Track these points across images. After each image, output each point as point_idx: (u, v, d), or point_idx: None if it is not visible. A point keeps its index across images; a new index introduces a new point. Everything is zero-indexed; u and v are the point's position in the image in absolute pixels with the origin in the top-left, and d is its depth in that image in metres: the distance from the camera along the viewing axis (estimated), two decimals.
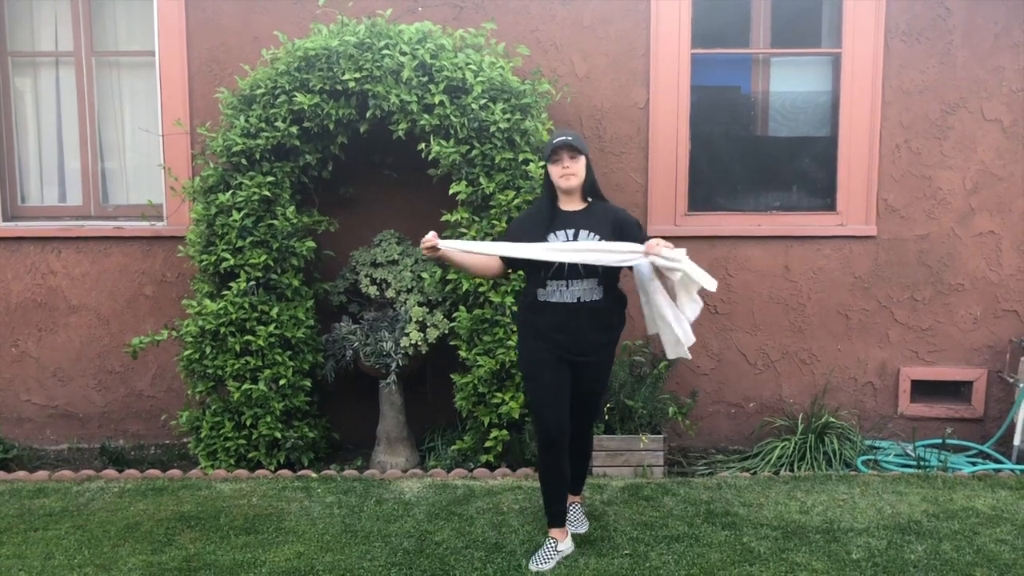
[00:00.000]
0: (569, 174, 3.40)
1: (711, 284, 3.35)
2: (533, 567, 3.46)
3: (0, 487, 4.38)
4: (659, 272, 3.38)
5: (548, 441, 3.47)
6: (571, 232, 3.41)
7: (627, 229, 3.43)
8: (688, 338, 3.50)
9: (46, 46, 5.28)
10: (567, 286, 3.38)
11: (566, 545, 3.57)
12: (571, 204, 3.48)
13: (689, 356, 3.58)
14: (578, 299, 3.38)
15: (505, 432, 4.51)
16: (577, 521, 3.79)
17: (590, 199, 3.50)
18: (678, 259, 3.26)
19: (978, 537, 3.72)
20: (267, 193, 4.51)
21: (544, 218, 3.47)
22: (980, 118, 4.96)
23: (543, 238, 3.41)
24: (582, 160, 3.41)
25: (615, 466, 4.47)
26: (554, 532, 3.57)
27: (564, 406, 3.47)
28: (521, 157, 4.46)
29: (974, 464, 4.75)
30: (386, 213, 5.04)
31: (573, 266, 3.35)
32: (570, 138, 3.39)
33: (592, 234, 3.39)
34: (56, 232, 5.14)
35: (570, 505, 3.76)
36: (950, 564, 3.47)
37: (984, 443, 4.98)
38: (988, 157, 4.98)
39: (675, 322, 3.47)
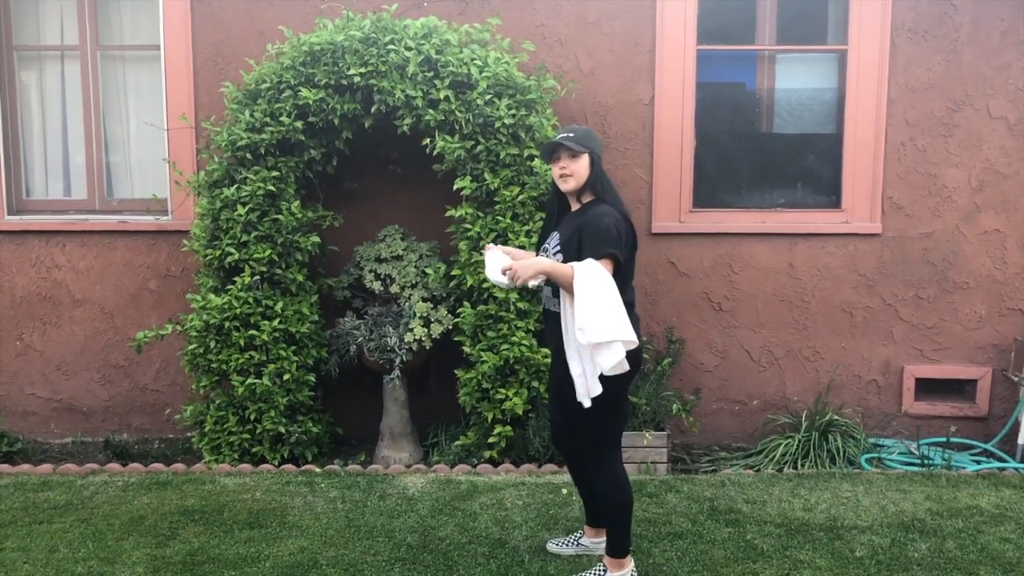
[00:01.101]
0: (566, 175, 3.09)
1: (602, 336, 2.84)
2: (551, 548, 3.52)
3: (5, 480, 4.39)
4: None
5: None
6: (556, 235, 3.17)
7: (584, 236, 3.01)
8: (592, 387, 2.96)
9: (51, 39, 5.28)
10: (541, 288, 3.22)
11: (590, 541, 3.52)
12: (573, 204, 3.20)
13: (587, 404, 3.01)
14: (542, 304, 3.28)
15: (509, 428, 4.51)
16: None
17: (585, 200, 3.15)
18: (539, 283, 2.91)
19: (982, 535, 3.71)
20: (272, 188, 4.51)
21: (553, 221, 3.28)
22: (986, 116, 4.95)
23: (544, 240, 3.28)
24: (583, 159, 3.08)
25: None
26: (585, 527, 3.58)
27: (556, 407, 3.35)
28: (526, 153, 4.46)
29: (978, 462, 4.74)
30: (390, 208, 5.04)
31: None
32: (572, 135, 3.09)
33: (557, 238, 3.14)
34: (61, 226, 5.15)
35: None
36: (954, 562, 3.47)
37: (988, 441, 4.97)
38: (994, 155, 4.97)
39: (577, 359, 2.98)
